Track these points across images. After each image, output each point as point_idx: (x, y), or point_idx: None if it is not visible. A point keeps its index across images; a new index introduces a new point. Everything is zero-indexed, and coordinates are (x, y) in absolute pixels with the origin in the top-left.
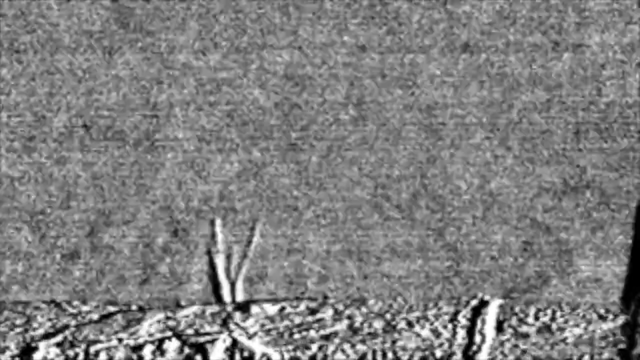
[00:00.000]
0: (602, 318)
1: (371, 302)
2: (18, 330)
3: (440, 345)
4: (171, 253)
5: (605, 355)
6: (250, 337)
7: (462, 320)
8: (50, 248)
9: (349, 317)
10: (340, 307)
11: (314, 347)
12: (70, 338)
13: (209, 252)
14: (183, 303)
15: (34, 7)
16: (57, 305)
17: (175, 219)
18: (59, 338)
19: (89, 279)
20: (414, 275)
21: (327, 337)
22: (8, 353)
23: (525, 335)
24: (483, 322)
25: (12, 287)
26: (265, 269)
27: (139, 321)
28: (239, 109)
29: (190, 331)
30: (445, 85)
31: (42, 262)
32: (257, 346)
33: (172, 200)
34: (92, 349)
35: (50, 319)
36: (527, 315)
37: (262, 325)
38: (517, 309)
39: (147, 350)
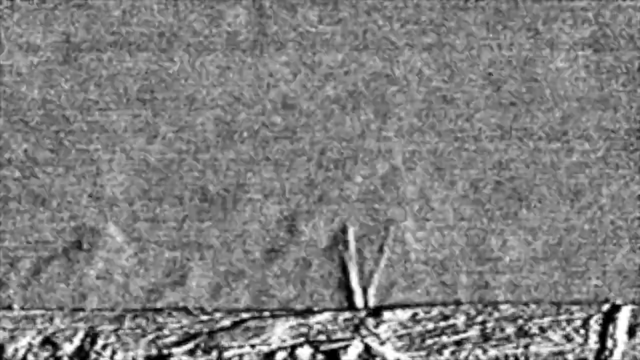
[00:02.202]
0: None
1: (503, 307)
2: (150, 337)
3: (572, 350)
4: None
5: None
6: (382, 343)
7: (594, 325)
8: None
9: (482, 323)
10: (473, 312)
11: (446, 353)
12: (202, 345)
13: (341, 258)
14: (315, 308)
15: None
16: (189, 311)
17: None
18: (190, 345)
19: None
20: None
21: (459, 343)
22: None
23: None
24: (615, 327)
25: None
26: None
27: (271, 327)
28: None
29: (322, 337)
30: None
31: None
32: (389, 352)
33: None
34: (225, 356)
35: (182, 326)
36: None
37: (395, 331)
38: None
39: (279, 357)
